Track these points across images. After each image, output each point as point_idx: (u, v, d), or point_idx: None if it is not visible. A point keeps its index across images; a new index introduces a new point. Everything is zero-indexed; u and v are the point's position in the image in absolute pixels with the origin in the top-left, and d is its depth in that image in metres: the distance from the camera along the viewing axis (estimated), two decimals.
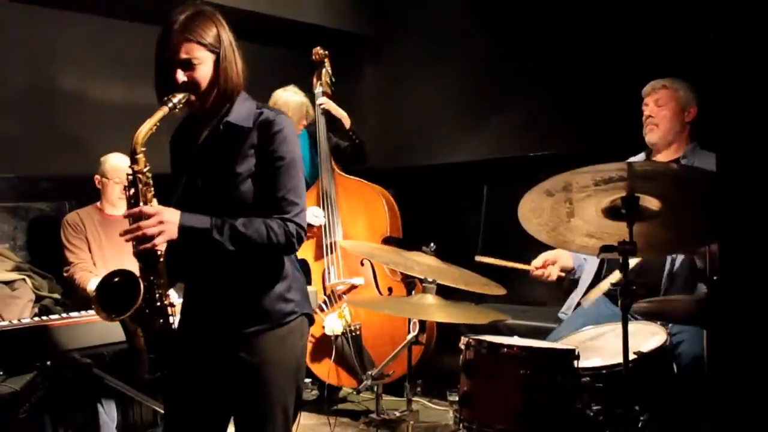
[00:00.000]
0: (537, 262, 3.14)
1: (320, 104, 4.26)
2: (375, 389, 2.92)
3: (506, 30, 4.73)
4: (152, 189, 2.05)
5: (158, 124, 2.00)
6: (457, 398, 3.77)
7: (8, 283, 3.77)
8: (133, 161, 2.01)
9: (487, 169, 4.82)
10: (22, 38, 4.19)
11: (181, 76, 2.03)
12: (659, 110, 3.10)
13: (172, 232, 1.99)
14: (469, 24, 4.91)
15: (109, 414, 3.37)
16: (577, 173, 2.11)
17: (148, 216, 1.98)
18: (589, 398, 2.41)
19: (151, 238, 1.97)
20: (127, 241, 2.00)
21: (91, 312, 3.18)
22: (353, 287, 3.82)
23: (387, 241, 4.00)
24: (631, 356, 2.41)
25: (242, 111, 2.13)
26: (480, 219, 4.69)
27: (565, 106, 4.41)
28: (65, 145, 4.32)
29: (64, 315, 3.18)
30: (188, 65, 2.03)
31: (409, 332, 2.64)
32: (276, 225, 2.06)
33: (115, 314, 2.01)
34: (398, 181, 4.71)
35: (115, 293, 2.02)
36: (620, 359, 2.46)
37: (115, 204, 3.77)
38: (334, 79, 4.39)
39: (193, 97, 2.05)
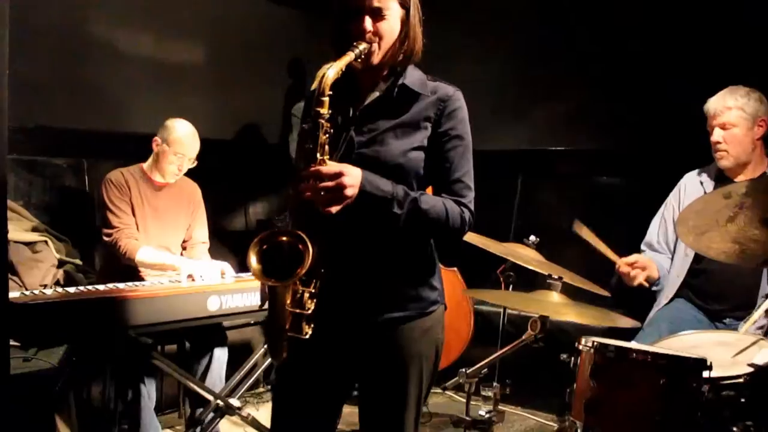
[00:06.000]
0: (629, 258, 2.94)
1: None
2: (467, 388, 2.69)
3: (558, 16, 4.52)
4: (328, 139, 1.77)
5: (343, 69, 1.77)
6: (491, 394, 3.64)
7: (29, 245, 3.38)
8: (318, 103, 1.73)
9: (523, 159, 4.66)
10: None
11: (369, 24, 1.82)
12: (726, 134, 2.90)
13: (354, 194, 1.74)
14: (519, 5, 4.67)
15: (150, 395, 3.06)
16: None
17: (335, 175, 1.70)
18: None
19: (336, 200, 1.71)
20: (307, 199, 1.71)
21: (149, 284, 2.95)
22: None
23: None
24: (746, 369, 2.30)
25: (416, 76, 1.94)
26: (512, 209, 4.55)
27: (614, 102, 4.26)
28: (89, 98, 3.89)
29: (128, 285, 2.87)
30: (378, 14, 1.83)
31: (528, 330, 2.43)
32: (452, 207, 1.87)
33: (276, 279, 1.70)
34: None
35: (273, 255, 1.72)
36: (734, 371, 2.36)
37: (166, 176, 3.38)
38: None
39: (375, 49, 1.84)
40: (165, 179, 3.37)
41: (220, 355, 3.26)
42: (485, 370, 2.68)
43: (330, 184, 1.69)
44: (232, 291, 2.88)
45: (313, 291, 1.74)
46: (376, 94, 1.91)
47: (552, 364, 2.98)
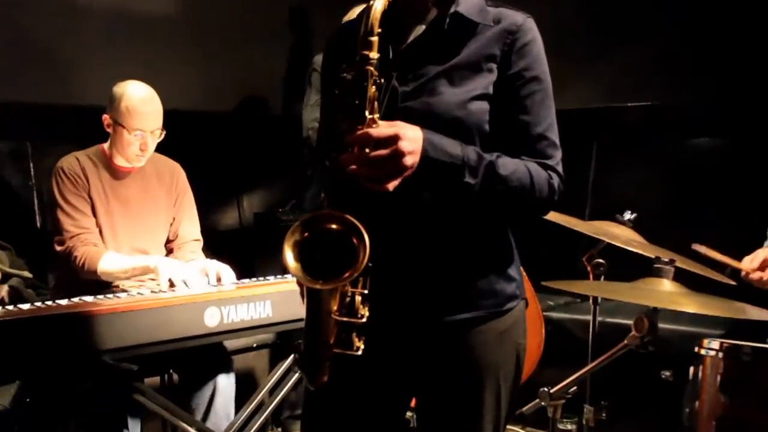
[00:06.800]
0: (753, 262, 2.79)
1: None
2: (550, 413, 2.63)
3: None
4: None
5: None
6: (571, 426, 3.56)
7: None
8: (365, 45, 1.66)
9: (598, 119, 4.68)
10: None
11: None
12: None
13: (414, 163, 1.67)
14: None
15: None
16: None
17: (389, 139, 1.63)
18: None
19: (393, 173, 1.64)
20: (353, 172, 1.65)
21: (127, 296, 2.85)
22: None
23: None
24: None
25: (472, 2, 1.89)
26: (587, 181, 4.62)
27: (714, 44, 4.28)
28: (34, 62, 3.98)
29: (99, 298, 2.76)
30: None
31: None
32: (537, 172, 1.81)
33: (323, 281, 1.63)
34: None
35: (312, 247, 1.66)
36: None
37: (130, 160, 3.27)
38: None
39: None
40: (131, 164, 3.28)
41: (226, 384, 3.20)
42: (574, 388, 2.60)
43: (384, 152, 1.62)
44: (236, 301, 2.81)
45: (365, 292, 1.69)
46: (422, 27, 1.87)
47: (648, 382, 2.89)
